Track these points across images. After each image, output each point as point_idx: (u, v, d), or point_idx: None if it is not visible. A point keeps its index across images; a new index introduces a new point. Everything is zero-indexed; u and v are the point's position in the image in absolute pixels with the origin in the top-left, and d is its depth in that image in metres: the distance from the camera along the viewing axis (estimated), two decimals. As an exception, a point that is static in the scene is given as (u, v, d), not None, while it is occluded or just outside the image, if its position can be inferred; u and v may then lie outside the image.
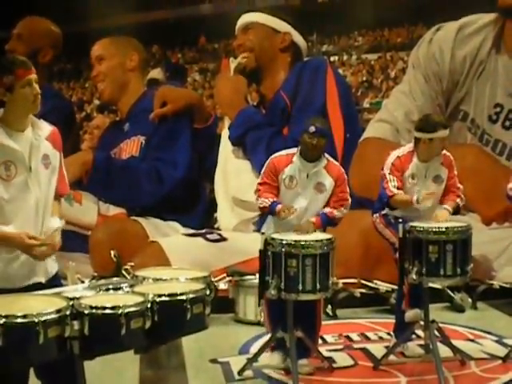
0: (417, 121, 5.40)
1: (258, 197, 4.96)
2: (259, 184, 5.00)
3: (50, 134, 3.60)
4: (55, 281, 3.64)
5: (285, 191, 4.94)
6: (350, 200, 5.04)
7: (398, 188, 5.07)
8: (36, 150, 3.51)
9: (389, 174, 5.10)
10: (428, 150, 5.08)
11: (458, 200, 5.22)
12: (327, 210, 4.95)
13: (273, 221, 5.00)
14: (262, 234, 4.85)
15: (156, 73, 9.15)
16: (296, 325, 4.89)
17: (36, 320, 2.97)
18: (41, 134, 3.55)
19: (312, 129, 4.83)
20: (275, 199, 4.89)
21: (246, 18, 8.08)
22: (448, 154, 5.23)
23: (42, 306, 3.09)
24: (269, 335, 5.15)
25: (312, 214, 4.93)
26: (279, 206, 4.83)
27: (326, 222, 4.95)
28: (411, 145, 5.19)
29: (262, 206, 4.93)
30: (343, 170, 5.10)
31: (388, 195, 5.08)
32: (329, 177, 4.96)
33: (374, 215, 5.34)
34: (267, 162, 5.03)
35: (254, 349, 5.40)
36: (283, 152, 5.05)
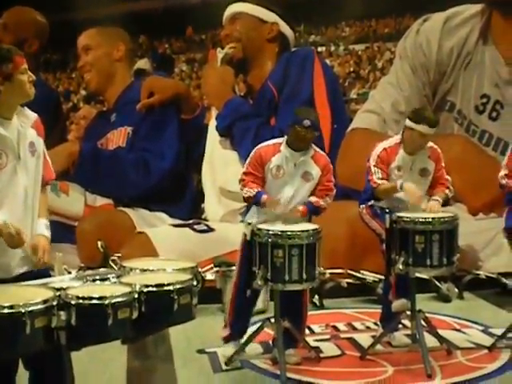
0: (412, 109, 5.40)
1: (243, 186, 4.95)
2: (244, 174, 4.99)
3: (34, 122, 3.61)
4: (44, 270, 3.62)
5: (271, 181, 4.94)
6: (334, 190, 5.06)
7: (382, 179, 5.08)
8: (23, 137, 3.52)
9: (374, 166, 5.12)
10: (410, 139, 5.09)
11: (447, 191, 5.24)
12: (313, 199, 4.96)
13: (256, 210, 5.00)
14: (249, 224, 4.85)
15: (143, 63, 9.11)
16: (282, 315, 4.90)
17: (23, 310, 2.97)
18: (26, 122, 3.55)
19: (307, 122, 4.84)
20: (260, 189, 4.89)
21: (234, 8, 8.06)
22: (435, 146, 5.24)
23: (28, 296, 3.08)
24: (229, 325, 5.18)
25: (298, 202, 4.94)
26: (264, 197, 4.84)
27: (312, 211, 4.98)
28: (398, 137, 5.21)
29: (246, 195, 4.93)
30: (329, 160, 5.11)
31: (373, 186, 5.10)
32: (316, 166, 4.98)
33: (361, 206, 5.35)
34: (253, 151, 5.03)
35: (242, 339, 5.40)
36: (269, 142, 5.06)
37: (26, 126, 3.55)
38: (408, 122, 5.09)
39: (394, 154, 5.14)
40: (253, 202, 4.93)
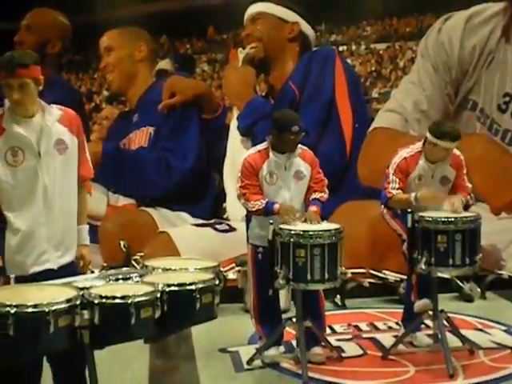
0: (432, 123, 5.31)
1: (247, 201, 4.91)
2: (241, 188, 4.94)
3: (61, 117, 3.62)
4: (70, 268, 3.65)
5: (267, 187, 4.94)
6: (326, 180, 5.10)
7: (398, 189, 5.05)
8: (47, 135, 3.54)
9: (392, 174, 5.07)
10: (431, 152, 5.05)
11: (468, 197, 5.19)
12: (317, 195, 5.00)
13: (257, 222, 5.00)
14: (271, 223, 4.84)
15: (164, 63, 9.14)
16: (304, 315, 4.91)
17: (46, 309, 2.99)
18: (49, 119, 3.56)
19: (296, 128, 4.85)
20: (266, 199, 4.89)
21: (255, 8, 8.07)
22: (458, 153, 5.15)
23: (52, 295, 3.10)
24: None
25: (297, 202, 4.97)
26: (277, 206, 4.83)
27: (322, 207, 5.00)
28: (419, 144, 5.13)
29: (255, 209, 4.89)
30: (313, 153, 5.13)
31: (387, 196, 5.08)
32: (304, 163, 5.02)
33: (382, 206, 5.34)
34: (242, 163, 4.98)
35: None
36: (254, 150, 5.06)
37: (50, 123, 3.56)
38: (429, 136, 5.02)
39: (413, 163, 5.08)
40: (263, 213, 4.90)
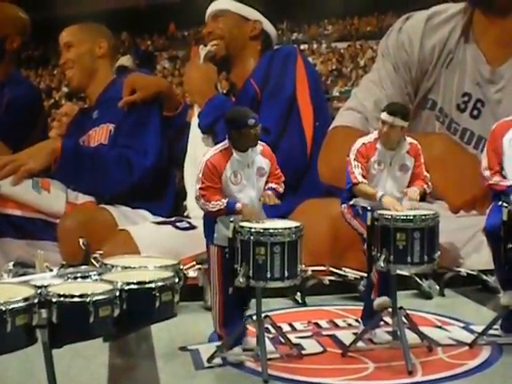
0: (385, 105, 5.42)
1: (207, 201, 4.88)
2: (201, 189, 4.90)
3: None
4: None
5: (232, 187, 4.92)
6: (283, 177, 5.15)
7: (363, 176, 5.10)
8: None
9: (354, 159, 5.14)
10: (384, 133, 5.10)
11: (425, 186, 5.26)
12: (273, 185, 5.06)
13: (220, 224, 4.99)
14: (231, 221, 4.84)
15: (125, 60, 9.08)
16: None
17: (3, 308, 2.96)
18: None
19: (252, 121, 4.85)
20: (227, 199, 4.88)
21: (216, 5, 8.05)
22: (415, 142, 5.26)
23: (9, 294, 3.07)
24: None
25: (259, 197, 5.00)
26: (239, 205, 4.83)
27: (277, 196, 5.03)
28: (376, 132, 5.23)
29: (215, 209, 4.87)
30: (270, 148, 5.15)
31: (353, 181, 5.11)
32: (265, 159, 5.04)
33: (343, 205, 5.36)
34: (203, 164, 4.93)
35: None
36: (215, 150, 5.01)
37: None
38: (382, 114, 5.14)
39: (373, 148, 5.16)
40: (225, 213, 4.88)
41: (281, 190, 5.10)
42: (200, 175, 4.94)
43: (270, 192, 4.98)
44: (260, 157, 5.01)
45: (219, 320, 5.17)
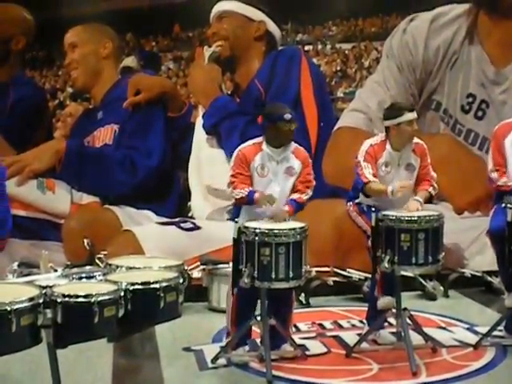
0: (384, 111, 5.40)
1: (234, 188, 4.94)
2: (232, 176, 4.95)
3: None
4: None
5: (258, 180, 4.95)
6: (314, 182, 5.09)
7: (373, 175, 5.10)
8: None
9: (363, 161, 5.13)
10: (398, 136, 5.09)
11: (431, 189, 5.24)
12: (296, 196, 4.99)
13: (245, 212, 5.00)
14: (236, 222, 4.85)
15: (130, 61, 9.10)
16: (269, 313, 4.91)
17: (9, 308, 2.97)
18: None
19: (288, 116, 4.86)
20: (251, 188, 4.91)
21: (221, 6, 8.06)
22: (421, 142, 5.25)
23: (14, 294, 3.08)
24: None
25: (285, 197, 4.97)
26: (256, 195, 4.85)
27: (297, 209, 4.99)
28: (383, 134, 5.22)
29: (239, 196, 4.91)
30: (308, 154, 5.14)
31: (363, 181, 5.10)
32: (297, 160, 5.01)
33: (348, 203, 5.37)
34: (235, 153, 5.00)
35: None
36: (249, 142, 5.05)
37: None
38: (390, 122, 5.08)
39: (381, 150, 5.15)
40: (245, 202, 4.92)
41: (304, 198, 5.01)
42: (231, 164, 5.00)
43: (286, 209, 4.92)
44: (292, 156, 4.99)
45: (232, 319, 5.17)
